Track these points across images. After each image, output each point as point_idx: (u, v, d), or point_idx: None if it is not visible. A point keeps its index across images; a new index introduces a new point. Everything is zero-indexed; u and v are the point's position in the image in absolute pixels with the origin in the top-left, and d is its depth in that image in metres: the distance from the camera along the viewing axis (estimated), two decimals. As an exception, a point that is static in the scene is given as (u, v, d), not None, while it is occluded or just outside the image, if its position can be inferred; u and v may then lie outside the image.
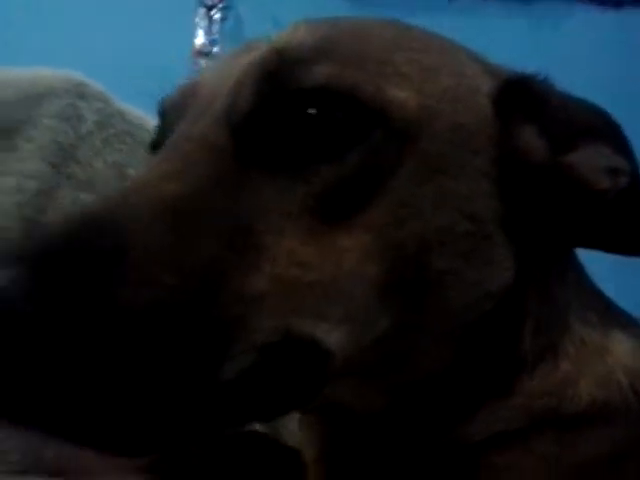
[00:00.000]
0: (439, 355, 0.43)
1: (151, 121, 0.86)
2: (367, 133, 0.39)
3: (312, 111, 0.38)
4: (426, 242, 0.40)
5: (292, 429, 0.82)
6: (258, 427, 0.80)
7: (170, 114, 0.46)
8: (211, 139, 0.39)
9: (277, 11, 2.17)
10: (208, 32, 2.20)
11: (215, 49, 2.18)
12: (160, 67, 2.03)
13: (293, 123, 0.39)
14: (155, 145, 0.47)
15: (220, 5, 2.22)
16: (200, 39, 2.18)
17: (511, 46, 2.15)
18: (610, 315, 0.49)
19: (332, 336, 0.38)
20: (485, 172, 0.43)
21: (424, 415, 0.45)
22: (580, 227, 0.47)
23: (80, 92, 0.76)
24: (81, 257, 0.32)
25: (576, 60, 2.17)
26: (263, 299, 0.36)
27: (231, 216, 0.37)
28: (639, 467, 0.43)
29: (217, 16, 2.22)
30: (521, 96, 0.46)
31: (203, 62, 2.17)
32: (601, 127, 0.47)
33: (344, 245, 0.38)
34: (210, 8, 2.21)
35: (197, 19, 2.19)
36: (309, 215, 0.38)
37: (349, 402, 0.44)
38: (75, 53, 1.98)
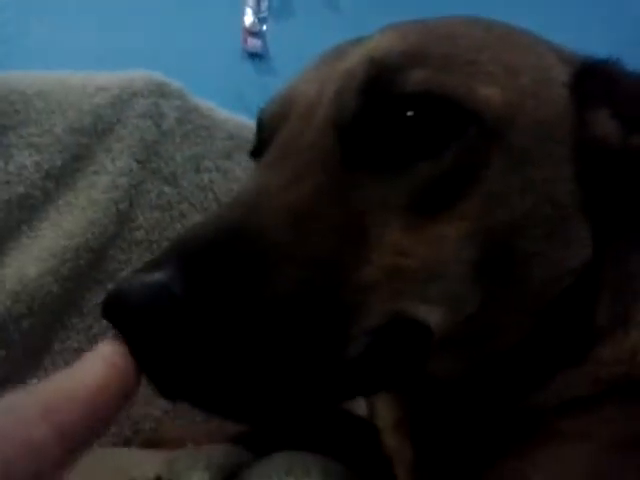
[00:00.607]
0: (522, 328, 0.46)
1: (219, 111, 0.91)
2: (462, 130, 0.42)
3: (411, 114, 0.42)
4: (513, 227, 0.43)
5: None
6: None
7: (270, 122, 0.50)
8: (320, 147, 0.43)
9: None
10: (257, 11, 2.20)
11: (264, 27, 2.19)
12: (212, 48, 2.08)
13: (394, 126, 0.42)
14: (256, 152, 0.52)
15: (268, -18, 2.22)
16: (249, 17, 2.19)
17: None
18: None
19: (432, 315, 0.42)
20: (565, 159, 0.46)
21: (501, 382, 0.48)
22: None
23: (161, 91, 0.81)
24: (232, 259, 0.37)
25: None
26: (374, 287, 0.40)
27: (343, 216, 0.41)
28: None
29: (265, -6, 2.22)
30: (594, 81, 0.48)
31: (252, 41, 2.19)
32: None
33: (442, 233, 0.42)
34: (258, -14, 2.22)
35: (246, -2, 2.20)
36: (410, 208, 0.41)
37: (433, 370, 0.47)
38: (134, 39, 2.03)
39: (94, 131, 0.77)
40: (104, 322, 0.71)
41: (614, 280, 0.49)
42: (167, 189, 0.79)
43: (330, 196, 0.41)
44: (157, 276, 0.35)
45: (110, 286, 0.73)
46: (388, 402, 0.56)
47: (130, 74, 0.81)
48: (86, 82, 0.79)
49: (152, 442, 0.68)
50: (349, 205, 0.41)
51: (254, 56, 2.22)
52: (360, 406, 0.87)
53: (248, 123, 0.91)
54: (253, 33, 2.21)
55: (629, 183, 0.48)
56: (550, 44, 0.51)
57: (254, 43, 2.22)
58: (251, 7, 2.21)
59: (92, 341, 0.70)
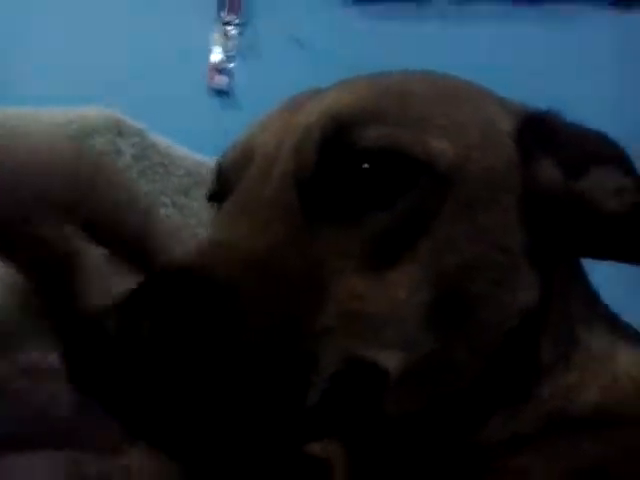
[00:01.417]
0: (474, 367, 0.48)
1: (177, 148, 0.92)
2: (415, 181, 0.45)
3: (367, 167, 0.45)
4: (464, 272, 0.45)
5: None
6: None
7: (230, 168, 0.52)
8: (280, 201, 0.45)
9: (293, 27, 2.21)
10: (225, 48, 2.23)
11: (231, 65, 2.22)
12: (177, 83, 2.09)
13: (351, 179, 0.45)
14: (214, 196, 0.55)
15: (236, 21, 2.25)
16: (217, 55, 2.21)
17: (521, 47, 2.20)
18: (615, 326, 0.53)
19: (389, 358, 0.44)
20: (512, 207, 0.48)
21: (449, 419, 0.49)
22: (591, 243, 0.52)
23: (119, 129, 0.82)
24: (197, 303, 0.38)
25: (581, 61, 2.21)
26: (331, 333, 0.42)
27: (303, 266, 0.43)
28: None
29: (233, 32, 2.25)
30: (537, 131, 0.51)
31: (219, 78, 2.21)
32: (608, 152, 0.52)
33: (396, 279, 0.44)
34: (226, 24, 2.25)
35: (214, 36, 2.22)
36: (366, 256, 0.44)
37: (389, 410, 0.47)
38: (92, 71, 2.04)
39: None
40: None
41: (557, 322, 0.50)
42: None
43: (291, 247, 0.43)
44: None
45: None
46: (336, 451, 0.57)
47: (88, 110, 0.82)
48: (44, 119, 0.79)
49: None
50: (309, 255, 0.43)
51: (220, 93, 2.24)
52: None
53: (206, 161, 0.93)
54: (220, 70, 2.23)
55: (572, 227, 0.51)
56: (494, 96, 0.53)
57: (220, 80, 2.24)
58: (219, 45, 2.24)
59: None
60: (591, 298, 0.54)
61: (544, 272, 0.50)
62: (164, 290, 0.39)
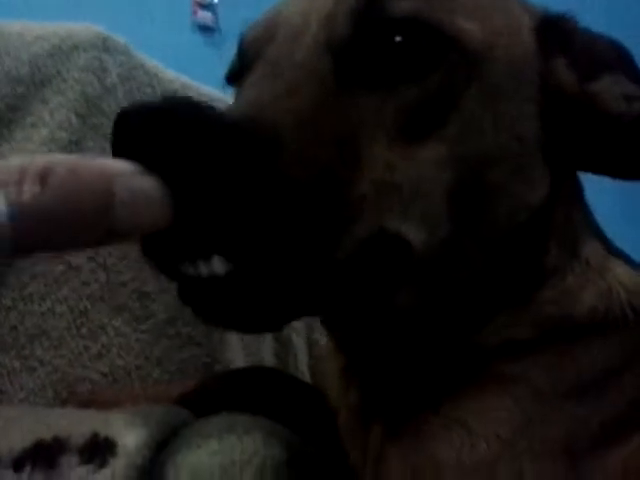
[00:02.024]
0: (480, 257, 0.49)
1: (166, 71, 0.88)
2: (445, 56, 0.45)
3: (399, 39, 0.45)
4: (485, 158, 0.46)
5: (301, 359, 0.87)
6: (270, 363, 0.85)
7: (252, 46, 0.51)
8: (313, 65, 0.45)
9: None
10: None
11: (215, 0, 2.16)
12: (161, 20, 2.03)
13: (385, 48, 0.45)
14: (234, 77, 0.54)
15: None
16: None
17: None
18: (610, 245, 0.54)
19: (414, 232, 0.45)
20: (531, 99, 0.49)
21: (450, 316, 0.50)
22: (597, 151, 0.53)
23: (105, 46, 0.78)
24: (247, 145, 0.40)
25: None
26: (364, 201, 0.43)
27: (339, 128, 0.43)
28: (635, 378, 0.48)
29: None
30: (555, 32, 0.52)
31: (202, 14, 2.15)
32: (617, 59, 0.52)
33: (423, 155, 0.45)
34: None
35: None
36: (398, 127, 0.44)
37: (405, 294, 0.48)
38: (74, 9, 1.97)
39: (31, 82, 0.73)
40: (40, 281, 0.69)
41: (562, 224, 0.52)
42: (109, 146, 0.76)
43: (326, 109, 0.44)
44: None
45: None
46: (333, 352, 0.58)
47: (72, 25, 0.78)
48: (25, 31, 0.75)
49: (87, 402, 0.66)
50: (344, 119, 0.44)
51: (204, 29, 2.19)
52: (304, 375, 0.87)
53: (195, 84, 0.89)
54: (204, 5, 2.18)
55: (583, 128, 0.51)
56: None
57: (204, 15, 2.18)
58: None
59: (27, 300, 0.67)
60: (590, 216, 0.55)
61: (554, 172, 0.51)
62: (218, 147, 0.39)
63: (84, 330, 0.70)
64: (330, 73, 0.45)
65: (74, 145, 0.73)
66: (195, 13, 2.19)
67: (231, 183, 0.39)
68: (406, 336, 0.50)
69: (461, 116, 0.46)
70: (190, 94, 0.87)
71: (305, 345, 0.89)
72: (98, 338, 0.70)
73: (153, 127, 0.38)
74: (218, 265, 0.40)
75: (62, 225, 0.32)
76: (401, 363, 0.51)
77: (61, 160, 0.33)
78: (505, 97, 0.48)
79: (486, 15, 0.49)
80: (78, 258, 0.71)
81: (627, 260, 0.55)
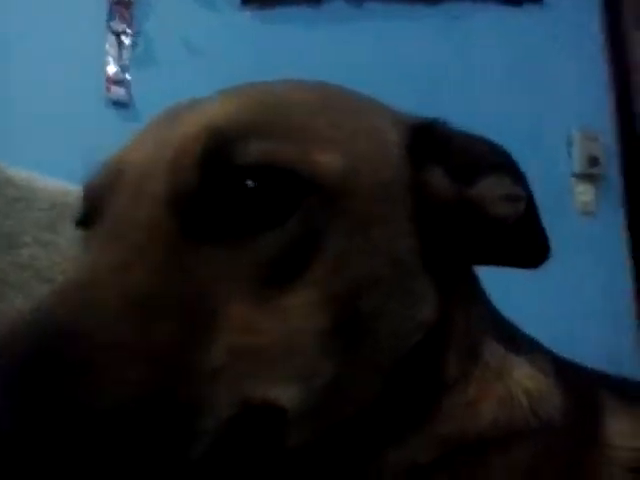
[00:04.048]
0: (372, 387, 0.45)
1: (41, 180, 0.86)
2: (301, 200, 0.41)
3: (251, 184, 0.41)
4: (359, 288, 0.43)
5: None
6: None
7: (95, 194, 0.47)
8: (157, 223, 0.41)
9: (186, 33, 2.17)
10: (119, 59, 2.17)
11: (127, 76, 2.16)
12: (74, 97, 2.02)
13: (235, 197, 0.41)
14: (82, 222, 0.48)
15: (129, 31, 2.20)
16: (112, 67, 2.16)
17: (420, 47, 2.23)
18: (514, 341, 0.52)
19: (286, 395, 0.40)
20: (405, 218, 0.47)
21: (350, 445, 0.46)
22: (485, 250, 0.52)
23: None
24: (51, 369, 0.34)
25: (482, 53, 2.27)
26: (220, 372, 0.38)
27: (187, 294, 0.38)
28: None
29: (127, 42, 2.20)
30: (425, 141, 0.49)
31: (116, 89, 2.15)
32: (498, 161, 0.51)
33: (290, 305, 0.40)
34: (119, 35, 2.19)
35: (107, 46, 2.17)
36: (256, 280, 0.40)
37: (290, 445, 0.44)
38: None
39: None
40: None
41: (459, 337, 0.49)
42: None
43: (170, 275, 0.39)
44: None
45: None
46: None
47: None
48: None
49: None
50: (192, 282, 0.39)
51: (118, 104, 2.19)
52: None
53: (73, 189, 0.87)
54: (116, 82, 2.18)
55: (464, 233, 0.49)
56: (382, 106, 0.51)
57: (117, 91, 2.18)
58: (112, 56, 2.19)
59: None
60: (490, 314, 0.53)
61: (442, 284, 0.48)
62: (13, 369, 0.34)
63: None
64: (175, 230, 0.40)
65: None
66: (109, 90, 2.19)
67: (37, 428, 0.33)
68: (302, 468, 0.46)
69: (326, 255, 0.42)
70: (68, 200, 0.85)
71: None
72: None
73: None
74: None
75: None
76: None
77: None
78: (375, 223, 0.45)
79: (346, 141, 0.45)
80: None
81: (531, 347, 0.53)
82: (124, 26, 2.19)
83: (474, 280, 0.54)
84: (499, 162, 0.51)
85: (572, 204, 2.24)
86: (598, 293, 2.16)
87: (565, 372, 0.52)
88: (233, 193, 0.41)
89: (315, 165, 0.42)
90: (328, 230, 0.42)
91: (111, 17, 2.17)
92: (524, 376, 0.50)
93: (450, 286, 0.49)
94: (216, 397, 0.37)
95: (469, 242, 0.50)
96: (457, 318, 0.49)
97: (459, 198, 0.49)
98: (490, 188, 0.49)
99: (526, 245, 0.53)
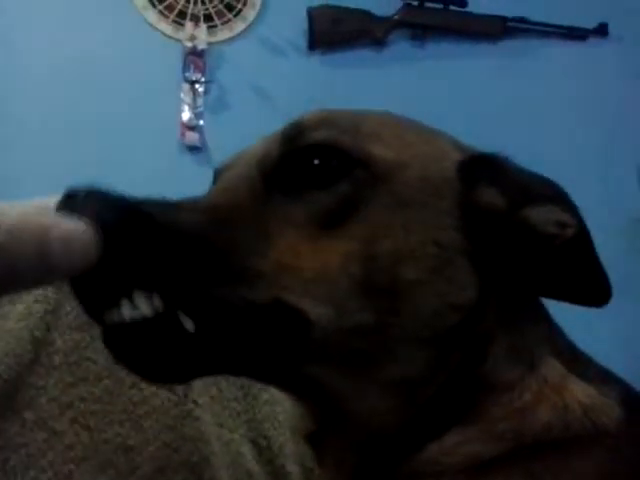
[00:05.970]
0: (413, 358, 0.52)
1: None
2: (350, 171, 0.53)
3: (313, 158, 0.54)
4: (397, 257, 0.51)
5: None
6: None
7: (222, 166, 0.62)
8: (250, 178, 0.56)
9: (256, 80, 2.26)
10: (193, 106, 2.27)
11: (201, 122, 2.25)
12: (151, 144, 2.12)
13: (301, 165, 0.54)
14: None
15: (202, 79, 2.29)
16: (186, 114, 2.25)
17: (485, 84, 2.25)
18: (575, 362, 0.56)
19: (315, 310, 0.50)
20: (448, 212, 0.54)
21: (400, 431, 0.53)
22: (536, 273, 0.56)
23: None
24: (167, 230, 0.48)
25: (548, 89, 2.27)
26: (262, 276, 0.49)
27: (256, 220, 0.52)
28: None
29: (201, 90, 2.29)
30: (484, 167, 0.56)
31: (190, 135, 2.24)
32: (552, 193, 0.56)
33: (328, 246, 0.51)
34: (193, 83, 2.29)
35: (182, 94, 2.26)
36: (308, 224, 0.52)
37: (319, 375, 0.53)
38: (69, 142, 2.07)
39: None
40: (22, 453, 0.71)
41: (506, 338, 0.54)
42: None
43: (250, 209, 0.53)
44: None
45: (27, 414, 0.73)
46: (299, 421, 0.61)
47: None
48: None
49: None
50: (263, 215, 0.52)
51: (192, 149, 2.27)
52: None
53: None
54: (190, 127, 2.26)
55: (511, 248, 0.55)
56: (449, 136, 0.60)
57: (192, 136, 2.27)
58: (188, 103, 2.27)
59: (9, 473, 0.69)
60: (553, 333, 0.58)
61: (487, 280, 0.54)
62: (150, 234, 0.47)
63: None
64: (260, 185, 0.55)
65: (50, 314, 0.77)
66: (183, 135, 2.28)
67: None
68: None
69: (366, 220, 0.52)
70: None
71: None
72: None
73: (90, 194, 0.46)
74: (136, 313, 0.46)
75: (6, 265, 0.36)
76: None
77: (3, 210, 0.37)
78: (417, 208, 0.53)
79: (405, 145, 0.56)
80: (62, 424, 0.73)
81: (595, 372, 0.56)
82: (198, 75, 2.28)
83: (539, 306, 0.59)
84: (552, 193, 0.56)
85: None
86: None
87: (635, 402, 0.55)
88: (300, 162, 0.54)
89: (368, 152, 0.54)
90: (371, 201, 0.52)
91: (186, 67, 2.27)
92: (579, 391, 0.54)
93: (498, 286, 0.54)
94: (253, 288, 0.49)
95: (518, 258, 0.55)
96: (504, 319, 0.54)
97: (511, 214, 0.54)
98: (544, 212, 0.54)
99: (586, 281, 0.58)
